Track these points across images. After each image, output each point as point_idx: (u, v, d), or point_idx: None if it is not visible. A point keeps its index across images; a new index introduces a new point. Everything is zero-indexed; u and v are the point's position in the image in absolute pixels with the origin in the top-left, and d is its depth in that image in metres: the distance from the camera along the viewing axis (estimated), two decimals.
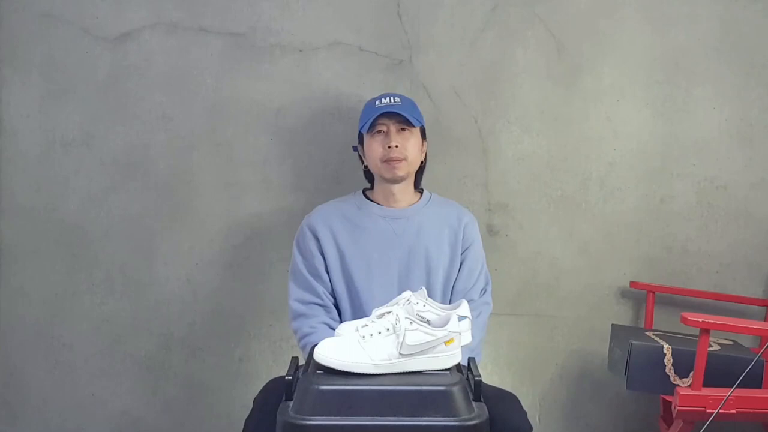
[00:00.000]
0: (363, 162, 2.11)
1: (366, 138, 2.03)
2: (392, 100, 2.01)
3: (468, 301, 2.02)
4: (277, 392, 1.62)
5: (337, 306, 2.03)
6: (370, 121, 1.99)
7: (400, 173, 2.01)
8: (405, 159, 2.00)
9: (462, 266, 2.06)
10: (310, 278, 2.00)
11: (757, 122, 2.50)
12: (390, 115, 1.99)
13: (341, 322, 1.98)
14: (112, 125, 2.44)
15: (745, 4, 2.47)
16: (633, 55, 2.47)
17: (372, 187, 2.13)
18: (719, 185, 2.51)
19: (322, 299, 2.00)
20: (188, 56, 2.43)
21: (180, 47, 2.43)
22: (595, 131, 2.49)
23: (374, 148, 2.00)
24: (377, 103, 2.02)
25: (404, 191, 2.07)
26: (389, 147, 1.98)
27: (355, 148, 2.15)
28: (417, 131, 2.04)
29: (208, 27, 2.43)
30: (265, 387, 1.86)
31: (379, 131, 2.00)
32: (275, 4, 2.43)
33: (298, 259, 2.03)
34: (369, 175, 2.14)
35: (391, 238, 2.02)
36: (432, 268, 2.02)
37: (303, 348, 1.94)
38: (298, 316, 1.99)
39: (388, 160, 1.99)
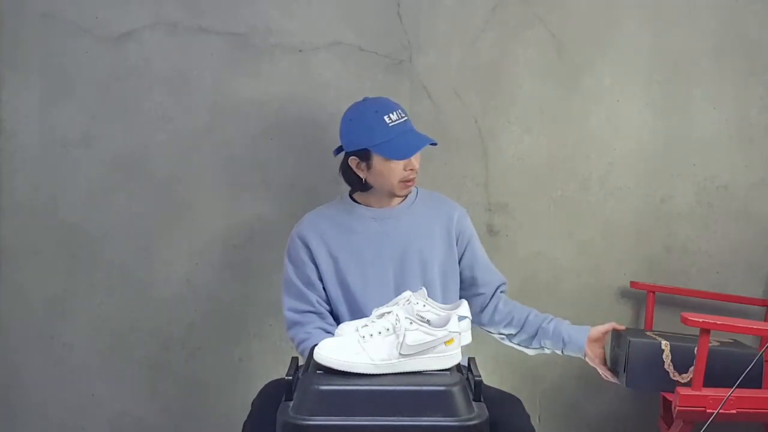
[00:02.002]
0: (354, 172, 2.01)
1: (379, 158, 1.96)
2: (400, 116, 1.98)
3: (503, 284, 2.11)
4: (275, 395, 1.62)
5: (332, 313, 2.02)
6: (407, 151, 1.95)
7: (412, 189, 2.04)
8: (415, 176, 2.02)
9: (475, 261, 2.08)
10: (303, 287, 1.99)
11: (757, 122, 2.50)
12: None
13: (336, 323, 1.98)
14: (112, 125, 2.44)
15: (745, 4, 2.47)
16: (633, 55, 2.47)
17: (358, 190, 2.08)
18: (719, 185, 2.51)
19: (315, 307, 1.99)
20: (188, 56, 2.43)
21: (180, 47, 2.43)
22: (595, 131, 2.49)
23: (396, 170, 1.97)
24: (386, 119, 1.95)
25: None
26: (411, 169, 1.98)
27: (337, 152, 2.06)
28: None
29: (208, 27, 2.43)
30: (262, 390, 1.86)
31: None
32: (275, 4, 2.43)
33: (290, 269, 2.02)
34: (356, 185, 2.05)
35: (383, 238, 2.01)
36: (427, 265, 2.01)
37: (302, 354, 1.94)
38: (293, 325, 1.99)
39: (406, 181, 1.99)
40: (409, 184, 2.00)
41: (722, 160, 2.50)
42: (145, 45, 2.42)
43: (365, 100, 2.04)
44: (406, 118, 1.99)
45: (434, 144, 2.01)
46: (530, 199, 2.49)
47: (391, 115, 1.97)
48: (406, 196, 2.07)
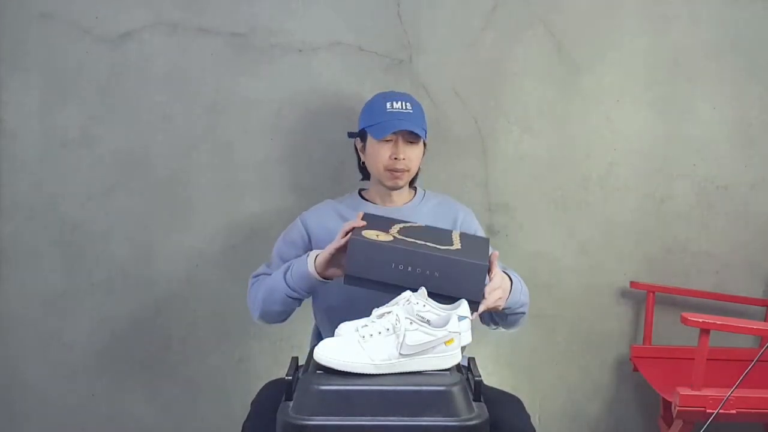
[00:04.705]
0: (359, 156, 2.10)
1: (372, 141, 2.00)
2: (404, 106, 1.99)
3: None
4: (275, 395, 1.62)
5: (327, 308, 2.02)
6: (385, 130, 1.96)
7: (401, 183, 2.02)
8: (408, 171, 2.00)
9: None
10: (281, 263, 1.98)
11: (757, 122, 2.50)
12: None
13: (336, 323, 1.97)
14: (112, 125, 2.44)
15: (745, 4, 2.47)
16: (633, 55, 2.47)
17: (367, 181, 2.13)
18: (719, 185, 2.51)
19: None
20: (188, 56, 2.43)
21: (180, 47, 2.43)
22: (595, 131, 2.49)
23: (381, 155, 1.98)
24: (388, 105, 1.99)
25: (400, 192, 2.07)
26: (396, 158, 1.98)
27: (351, 135, 2.11)
28: (421, 142, 2.03)
29: (208, 27, 2.43)
30: (262, 390, 1.86)
31: (388, 139, 1.99)
32: (275, 4, 2.43)
33: (278, 244, 2.03)
34: (365, 170, 2.13)
35: None
36: None
37: (253, 296, 1.94)
38: (251, 284, 1.98)
39: (392, 170, 1.99)
40: (397, 174, 1.99)
41: (722, 160, 2.51)
42: (145, 45, 2.42)
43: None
44: (410, 110, 2.00)
45: (417, 135, 1.97)
46: (530, 199, 2.49)
47: (394, 102, 2.00)
48: (413, 195, 2.10)
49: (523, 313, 1.93)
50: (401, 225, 1.84)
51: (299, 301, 1.89)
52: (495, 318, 1.94)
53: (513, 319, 1.93)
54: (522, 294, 1.89)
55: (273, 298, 1.88)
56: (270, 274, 1.96)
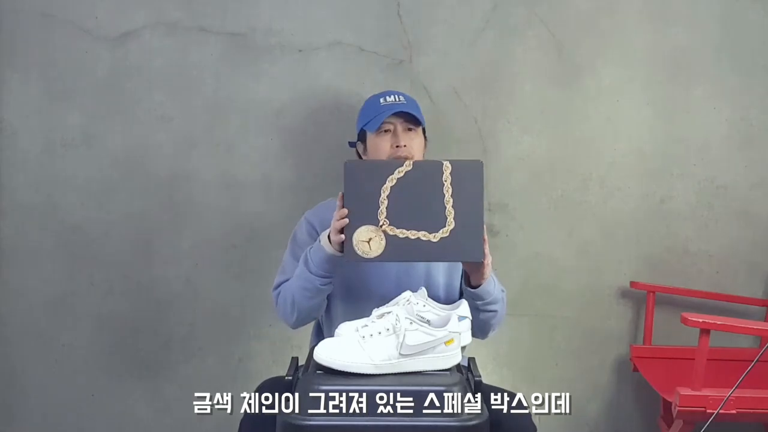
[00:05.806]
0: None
1: (371, 136, 2.00)
2: (397, 99, 2.00)
3: None
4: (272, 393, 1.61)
5: (332, 307, 2.02)
6: (379, 119, 1.97)
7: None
8: (411, 158, 2.00)
9: None
10: (295, 263, 1.96)
11: (757, 122, 2.50)
12: (398, 114, 1.98)
13: (337, 323, 1.97)
14: (112, 125, 2.44)
15: (745, 4, 2.47)
16: (633, 55, 2.47)
17: None
18: (719, 185, 2.51)
19: None
20: (188, 56, 2.43)
21: (180, 47, 2.43)
22: (595, 131, 2.49)
23: (381, 147, 1.98)
24: (381, 100, 2.00)
25: None
26: (397, 146, 1.97)
27: (352, 144, 2.12)
28: (420, 131, 2.03)
29: (208, 27, 2.43)
30: (259, 388, 1.86)
31: (386, 130, 1.98)
32: (275, 4, 2.43)
33: (290, 247, 2.01)
34: None
35: None
36: (431, 267, 2.01)
37: (283, 305, 1.93)
38: (276, 296, 1.97)
39: (396, 159, 1.99)
40: None
41: (722, 160, 2.50)
42: (145, 45, 2.42)
43: None
44: (404, 102, 2.00)
45: (414, 120, 1.97)
46: (530, 199, 2.49)
47: (387, 97, 2.01)
48: None
49: (495, 311, 1.90)
50: (386, 203, 1.78)
51: (329, 284, 1.89)
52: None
53: (484, 317, 1.89)
54: (496, 288, 1.88)
55: (305, 295, 1.88)
56: (288, 279, 1.95)
